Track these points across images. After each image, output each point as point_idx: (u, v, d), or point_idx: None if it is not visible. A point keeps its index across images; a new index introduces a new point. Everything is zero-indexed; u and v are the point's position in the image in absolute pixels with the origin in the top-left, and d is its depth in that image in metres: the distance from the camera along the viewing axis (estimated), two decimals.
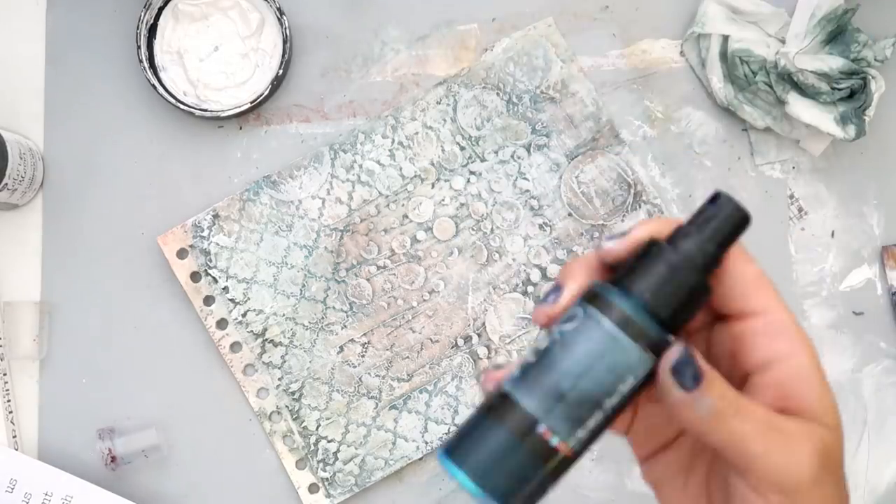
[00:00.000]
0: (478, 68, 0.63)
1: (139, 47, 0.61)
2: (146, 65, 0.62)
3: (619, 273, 0.34)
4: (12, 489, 0.60)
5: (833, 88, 0.61)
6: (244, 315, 0.62)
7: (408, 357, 0.62)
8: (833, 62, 0.60)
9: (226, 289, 0.62)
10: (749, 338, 0.34)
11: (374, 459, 0.62)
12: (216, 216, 0.62)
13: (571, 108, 0.63)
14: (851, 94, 0.61)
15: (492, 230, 0.63)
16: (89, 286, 0.63)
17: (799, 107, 0.61)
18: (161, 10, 0.62)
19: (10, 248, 0.63)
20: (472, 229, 0.63)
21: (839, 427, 0.34)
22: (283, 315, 0.62)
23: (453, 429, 0.62)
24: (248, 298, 0.62)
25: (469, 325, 0.62)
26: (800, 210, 0.64)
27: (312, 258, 0.62)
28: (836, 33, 0.61)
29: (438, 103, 0.63)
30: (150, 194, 0.63)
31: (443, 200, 0.63)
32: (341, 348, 0.62)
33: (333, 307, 0.62)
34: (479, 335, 0.62)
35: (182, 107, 0.61)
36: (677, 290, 0.33)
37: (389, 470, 0.62)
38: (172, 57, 0.62)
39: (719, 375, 0.33)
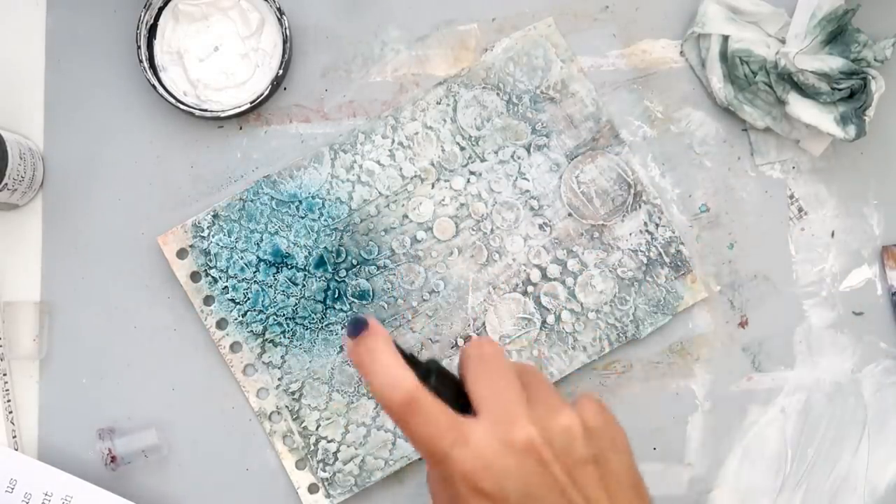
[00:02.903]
0: (478, 68, 0.63)
1: (139, 47, 0.61)
2: (146, 65, 0.62)
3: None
4: (12, 489, 0.60)
5: (833, 88, 0.61)
6: (244, 315, 0.62)
7: None
8: (833, 62, 0.60)
9: (226, 289, 0.62)
10: None
11: (374, 459, 0.62)
12: (216, 216, 0.62)
13: (571, 108, 0.63)
14: (851, 94, 0.61)
15: (492, 230, 0.63)
16: (89, 286, 0.63)
17: (799, 107, 0.61)
18: (161, 10, 0.62)
19: (10, 248, 0.63)
20: (472, 229, 0.63)
21: None
22: (283, 315, 0.62)
23: None
24: (248, 298, 0.62)
25: (469, 325, 0.62)
26: (800, 210, 0.64)
27: (312, 258, 0.62)
28: (836, 33, 0.61)
29: (438, 103, 0.63)
30: (150, 194, 0.63)
31: (443, 200, 0.63)
32: (341, 348, 0.62)
33: (333, 307, 0.62)
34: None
35: (182, 107, 0.61)
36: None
37: (389, 470, 0.62)
38: (172, 57, 0.62)
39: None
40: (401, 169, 0.63)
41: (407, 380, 0.43)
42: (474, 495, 0.43)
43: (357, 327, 0.44)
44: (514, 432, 0.43)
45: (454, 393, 0.46)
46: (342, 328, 0.62)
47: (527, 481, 0.43)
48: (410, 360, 0.45)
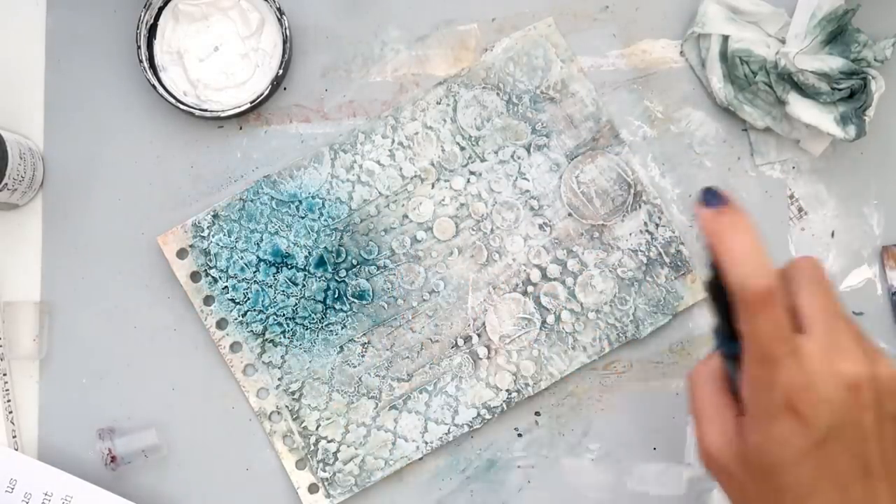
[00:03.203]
0: (478, 68, 0.63)
1: (139, 47, 0.61)
2: (146, 65, 0.62)
3: None
4: (12, 489, 0.60)
5: (833, 88, 0.61)
6: (244, 315, 0.62)
7: (408, 357, 0.62)
8: (833, 62, 0.60)
9: (226, 289, 0.62)
10: None
11: (374, 459, 0.62)
12: (216, 216, 0.62)
13: (571, 108, 0.63)
14: (851, 94, 0.61)
15: (492, 230, 0.63)
16: (89, 286, 0.63)
17: (799, 107, 0.61)
18: (161, 10, 0.62)
19: (10, 248, 0.63)
20: (472, 229, 0.63)
21: None
22: (283, 315, 0.62)
23: (453, 429, 0.62)
24: (248, 298, 0.62)
25: (469, 325, 0.62)
26: (800, 210, 0.64)
27: (312, 258, 0.62)
28: (837, 33, 0.61)
29: (438, 103, 0.63)
30: (150, 194, 0.63)
31: (443, 200, 0.63)
32: (341, 348, 0.62)
33: (333, 307, 0.62)
34: (479, 335, 0.62)
35: (182, 107, 0.61)
36: None
37: (389, 470, 0.62)
38: (172, 57, 0.62)
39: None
40: (401, 169, 0.63)
41: (772, 271, 0.42)
42: (787, 411, 0.43)
43: (714, 196, 0.43)
44: (846, 365, 0.43)
45: (723, 306, 0.44)
46: (341, 328, 0.62)
47: (840, 416, 0.43)
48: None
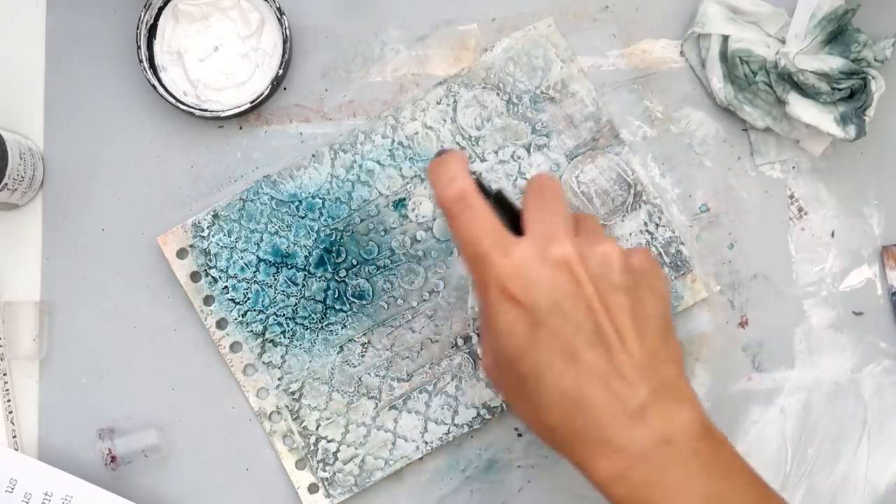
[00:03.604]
0: (478, 68, 0.63)
1: (139, 47, 0.61)
2: (146, 65, 0.62)
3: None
4: (12, 489, 0.60)
5: (833, 88, 0.61)
6: (244, 315, 0.62)
7: (408, 357, 0.62)
8: (833, 62, 0.60)
9: (226, 289, 0.62)
10: None
11: (374, 459, 0.62)
12: (216, 216, 0.62)
13: (571, 108, 0.63)
14: (851, 94, 0.61)
15: None
16: (89, 286, 0.63)
17: (799, 107, 0.61)
18: (161, 10, 0.62)
19: (10, 248, 0.63)
20: None
21: None
22: (283, 315, 0.62)
23: (453, 429, 0.62)
24: (248, 298, 0.62)
25: (469, 325, 0.62)
26: (800, 210, 0.64)
27: (312, 258, 0.62)
28: (837, 33, 0.61)
29: (438, 103, 0.63)
30: (150, 194, 0.63)
31: None
32: (341, 348, 0.62)
33: (333, 307, 0.62)
34: (479, 335, 0.62)
35: (182, 107, 0.61)
36: None
37: (389, 470, 0.62)
38: (172, 57, 0.62)
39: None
40: (401, 169, 0.63)
41: (465, 180, 0.48)
42: (504, 300, 0.47)
43: (442, 153, 0.51)
44: (553, 248, 0.47)
45: (512, 222, 0.50)
46: (341, 328, 0.62)
47: (557, 292, 0.46)
48: (478, 182, 0.49)
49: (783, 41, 0.62)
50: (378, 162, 0.63)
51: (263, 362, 0.62)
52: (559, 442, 0.48)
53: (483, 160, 0.63)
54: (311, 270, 0.62)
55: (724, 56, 0.62)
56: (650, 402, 0.46)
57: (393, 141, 0.63)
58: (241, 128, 0.64)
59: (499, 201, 0.51)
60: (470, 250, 0.48)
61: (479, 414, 0.62)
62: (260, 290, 0.62)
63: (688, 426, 0.47)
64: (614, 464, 0.46)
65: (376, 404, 0.62)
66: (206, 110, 0.61)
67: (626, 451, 0.46)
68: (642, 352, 0.47)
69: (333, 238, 0.63)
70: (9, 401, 0.62)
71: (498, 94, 0.63)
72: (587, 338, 0.46)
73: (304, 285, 0.62)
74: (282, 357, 0.62)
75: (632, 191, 0.63)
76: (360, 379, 0.62)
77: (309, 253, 0.62)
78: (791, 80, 0.61)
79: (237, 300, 0.62)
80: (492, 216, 0.48)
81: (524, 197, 0.50)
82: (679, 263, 0.63)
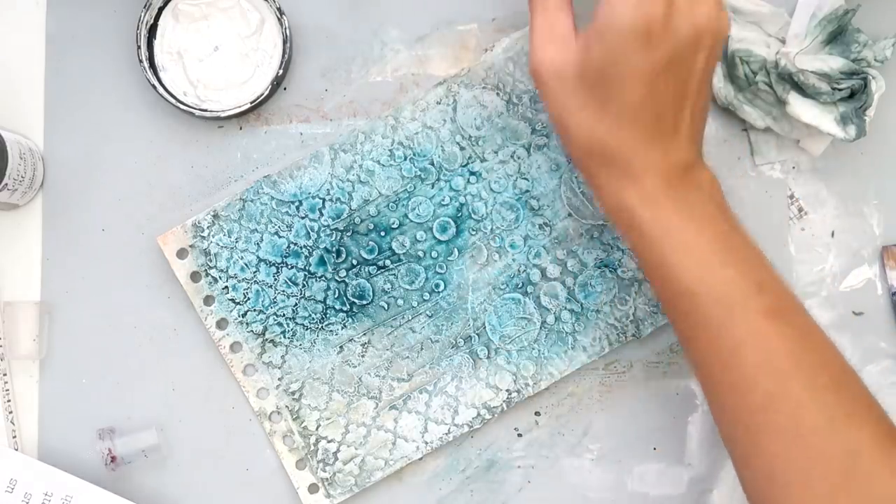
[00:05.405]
0: (478, 68, 0.63)
1: (139, 47, 0.61)
2: (146, 65, 0.62)
3: None
4: (12, 489, 0.60)
5: (833, 88, 0.61)
6: (244, 315, 0.62)
7: (408, 357, 0.62)
8: (833, 62, 0.60)
9: (226, 289, 0.62)
10: None
11: (374, 459, 0.62)
12: (216, 216, 0.62)
13: None
14: (852, 94, 0.61)
15: (492, 230, 0.63)
16: (89, 286, 0.63)
17: (799, 107, 0.61)
18: (161, 10, 0.62)
19: (10, 248, 0.63)
20: (472, 229, 0.63)
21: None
22: (283, 315, 0.62)
23: (453, 429, 0.62)
24: (248, 298, 0.62)
25: (469, 325, 0.62)
26: (800, 210, 0.64)
27: (312, 258, 0.62)
28: (837, 33, 0.61)
29: (438, 103, 0.63)
30: (150, 194, 0.63)
31: (443, 200, 0.63)
32: (341, 348, 0.62)
33: (333, 307, 0.62)
34: (479, 335, 0.62)
35: (182, 107, 0.61)
36: None
37: (389, 470, 0.62)
38: (172, 57, 0.62)
39: None
40: (401, 169, 0.63)
41: None
42: (641, 35, 0.49)
43: None
44: (702, 9, 0.50)
45: None
46: (341, 328, 0.62)
47: (679, 53, 0.50)
48: None
49: (783, 41, 0.62)
50: (378, 162, 0.63)
51: (263, 362, 0.62)
52: (608, 156, 0.52)
53: (483, 160, 0.63)
54: (312, 270, 0.62)
55: (724, 56, 0.62)
56: (695, 157, 0.53)
57: (393, 141, 0.63)
58: (241, 128, 0.64)
59: None
60: None
61: (479, 414, 0.62)
62: (260, 290, 0.62)
63: (712, 183, 0.54)
64: (651, 184, 0.51)
65: (376, 404, 0.62)
66: (206, 110, 0.61)
67: (664, 177, 0.52)
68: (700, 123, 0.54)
69: (333, 238, 0.63)
70: (9, 401, 0.62)
71: (498, 94, 0.63)
72: (678, 99, 0.51)
73: (304, 285, 0.62)
74: (282, 357, 0.62)
75: None
76: (360, 379, 0.62)
77: (309, 253, 0.62)
78: (791, 80, 0.61)
79: (237, 300, 0.62)
80: None
81: None
82: None
